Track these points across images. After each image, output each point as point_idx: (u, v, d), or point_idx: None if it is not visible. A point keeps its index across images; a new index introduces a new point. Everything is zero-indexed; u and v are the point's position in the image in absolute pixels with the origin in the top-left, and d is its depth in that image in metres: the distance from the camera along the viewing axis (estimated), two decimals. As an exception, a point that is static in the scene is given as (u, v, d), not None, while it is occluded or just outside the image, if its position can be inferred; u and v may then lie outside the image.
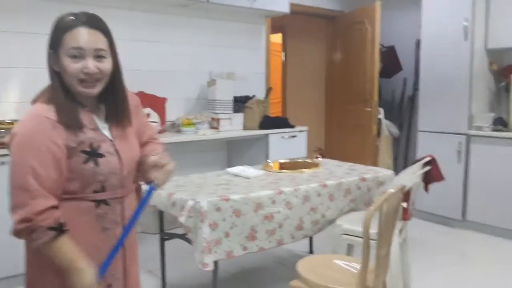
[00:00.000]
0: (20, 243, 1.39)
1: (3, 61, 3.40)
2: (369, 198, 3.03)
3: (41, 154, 1.27)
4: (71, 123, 1.33)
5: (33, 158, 1.27)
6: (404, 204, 2.71)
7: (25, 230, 1.26)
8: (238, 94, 4.40)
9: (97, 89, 1.37)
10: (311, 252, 3.61)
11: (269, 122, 4.42)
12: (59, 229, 1.29)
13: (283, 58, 6.51)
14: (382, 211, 2.07)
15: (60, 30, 1.33)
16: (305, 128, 4.62)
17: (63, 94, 1.34)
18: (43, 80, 1.42)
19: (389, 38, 5.53)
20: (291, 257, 3.57)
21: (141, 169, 1.53)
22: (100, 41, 1.34)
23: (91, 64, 1.32)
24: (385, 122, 5.20)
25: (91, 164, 1.35)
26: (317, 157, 3.64)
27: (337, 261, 2.39)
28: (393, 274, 2.58)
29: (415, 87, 5.30)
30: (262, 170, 3.13)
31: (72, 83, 1.34)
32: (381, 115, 5.16)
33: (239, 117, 4.31)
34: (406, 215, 2.75)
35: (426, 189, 3.01)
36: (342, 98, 5.68)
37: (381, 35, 5.13)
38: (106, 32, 1.37)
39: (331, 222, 2.87)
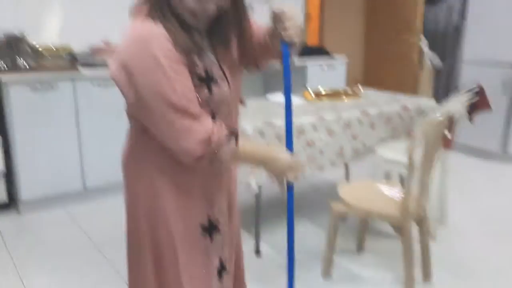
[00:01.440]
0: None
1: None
2: (410, 127, 3.01)
3: (181, 71, 1.11)
4: (189, 46, 1.13)
5: (175, 80, 1.09)
6: (448, 133, 2.68)
7: (207, 153, 1.14)
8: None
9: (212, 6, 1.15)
10: (347, 180, 3.67)
11: (306, 51, 4.33)
12: (235, 134, 1.21)
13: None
14: (427, 138, 2.07)
15: None
16: (344, 59, 4.51)
17: (169, 11, 1.12)
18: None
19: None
20: (327, 185, 3.64)
21: (267, 39, 1.33)
22: None
23: None
24: (428, 53, 5.01)
25: (205, 91, 1.18)
26: (357, 87, 3.58)
27: (378, 186, 2.43)
28: (432, 201, 2.61)
29: (462, 16, 5.03)
30: (302, 98, 3.12)
31: None
32: (424, 46, 4.96)
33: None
34: (448, 144, 2.72)
35: (471, 119, 2.95)
36: (383, 26, 5.46)
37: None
38: None
39: (371, 150, 2.88)
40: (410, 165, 2.01)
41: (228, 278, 1.45)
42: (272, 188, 3.28)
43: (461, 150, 4.45)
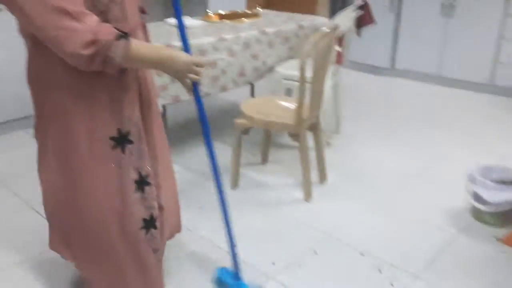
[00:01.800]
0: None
1: None
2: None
3: None
4: None
5: None
6: (338, 48, 2.89)
7: (96, 54, 1.12)
8: None
9: None
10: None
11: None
12: (126, 35, 1.18)
13: None
14: (317, 50, 2.23)
15: None
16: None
17: None
18: None
19: None
20: (234, 106, 3.78)
21: None
22: None
23: None
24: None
25: None
26: (257, 8, 3.65)
27: (277, 100, 2.61)
28: (326, 111, 2.86)
29: None
30: (202, 20, 3.14)
31: None
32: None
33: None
34: (339, 59, 2.95)
35: (358, 33, 3.18)
36: None
37: None
38: None
39: (272, 69, 3.03)
40: (301, 77, 2.18)
41: (151, 191, 1.46)
42: (177, 108, 3.35)
43: (353, 67, 4.79)
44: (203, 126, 1.52)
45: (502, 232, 2.16)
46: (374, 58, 4.77)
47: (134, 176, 1.41)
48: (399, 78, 4.63)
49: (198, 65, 1.36)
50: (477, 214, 2.25)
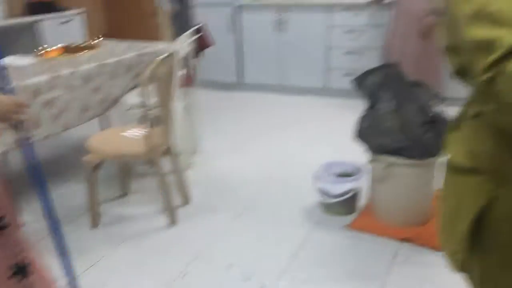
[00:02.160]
0: None
1: None
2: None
3: None
4: None
5: None
6: (183, 71, 2.97)
7: None
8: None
9: None
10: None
11: (36, 7, 4.04)
12: None
13: None
14: (158, 76, 2.27)
15: None
16: (80, 10, 4.37)
17: None
18: None
19: None
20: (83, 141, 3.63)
21: None
22: None
23: None
24: (162, -1, 5.21)
25: None
26: (97, 39, 3.56)
27: (127, 130, 2.58)
28: (180, 135, 2.91)
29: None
30: (37, 57, 2.97)
31: None
32: (157, -8, 5.13)
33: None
34: (188, 81, 3.03)
35: (199, 56, 3.30)
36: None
37: None
38: None
39: (118, 100, 2.98)
40: (145, 104, 2.20)
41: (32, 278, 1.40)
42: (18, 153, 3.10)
43: (207, 86, 4.94)
44: (32, 170, 1.46)
45: (349, 219, 2.42)
46: (224, 75, 4.99)
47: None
48: (248, 92, 4.90)
49: (21, 106, 1.33)
50: (326, 208, 2.49)
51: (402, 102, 2.03)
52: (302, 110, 4.29)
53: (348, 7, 4.24)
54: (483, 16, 0.70)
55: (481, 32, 0.70)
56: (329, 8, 4.31)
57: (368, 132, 2.16)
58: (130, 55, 3.07)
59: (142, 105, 2.83)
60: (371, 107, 2.14)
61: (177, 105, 2.92)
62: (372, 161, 2.25)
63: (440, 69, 3.49)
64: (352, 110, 3.93)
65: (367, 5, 4.03)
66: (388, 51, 3.62)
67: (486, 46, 0.69)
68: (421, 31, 3.34)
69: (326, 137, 3.58)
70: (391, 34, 3.56)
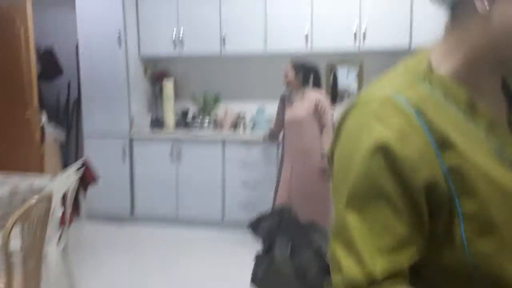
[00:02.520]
0: None
1: None
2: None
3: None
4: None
5: None
6: (60, 210, 2.66)
7: None
8: None
9: None
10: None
11: None
12: None
13: None
14: (26, 223, 1.97)
15: None
16: None
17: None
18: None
19: (47, 38, 5.31)
20: None
21: None
22: None
23: None
24: (48, 128, 4.97)
25: None
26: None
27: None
28: (52, 284, 2.50)
29: (80, 91, 5.28)
30: None
31: None
32: (44, 121, 4.90)
33: None
34: (63, 221, 2.70)
35: (84, 192, 3.04)
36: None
37: (38, 35, 4.86)
38: None
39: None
40: (5, 254, 1.85)
41: None
42: None
43: (95, 219, 4.56)
44: None
45: None
46: (116, 208, 4.66)
47: None
48: (140, 225, 4.59)
49: None
50: None
51: (297, 247, 1.94)
52: (199, 244, 4.05)
53: (243, 142, 4.34)
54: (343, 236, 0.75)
55: (338, 251, 0.75)
56: (223, 142, 4.38)
57: (265, 279, 2.01)
58: (1, 191, 2.71)
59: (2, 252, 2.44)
60: (267, 252, 2.02)
61: (52, 249, 2.56)
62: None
63: (329, 208, 3.56)
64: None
65: (262, 140, 4.16)
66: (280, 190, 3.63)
67: (337, 266, 0.75)
68: (319, 173, 3.42)
69: (226, 280, 3.34)
70: (285, 173, 3.59)
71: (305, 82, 3.55)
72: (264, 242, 2.01)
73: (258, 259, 2.06)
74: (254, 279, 2.04)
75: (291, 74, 3.52)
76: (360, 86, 4.61)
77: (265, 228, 1.96)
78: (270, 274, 1.97)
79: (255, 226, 1.99)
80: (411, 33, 4.05)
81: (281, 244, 1.94)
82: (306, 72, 3.55)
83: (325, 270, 1.96)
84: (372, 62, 4.51)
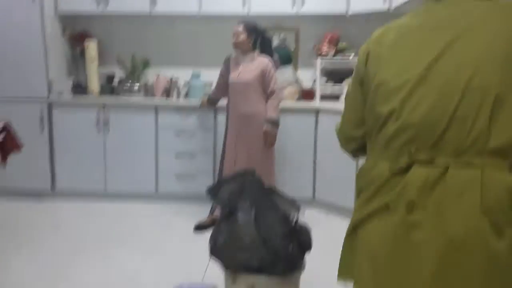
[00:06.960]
0: None
1: None
2: None
3: None
4: None
5: None
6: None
7: None
8: None
9: None
10: None
11: None
12: None
13: None
14: None
15: None
16: None
17: None
18: None
19: None
20: None
21: None
22: None
23: None
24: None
25: None
26: None
27: None
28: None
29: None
30: None
31: None
32: None
33: None
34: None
35: (3, 162, 2.64)
36: None
37: None
38: None
39: None
40: None
41: None
42: None
43: (11, 195, 4.08)
44: None
45: None
46: (35, 182, 4.19)
47: None
48: (63, 201, 4.18)
49: None
50: None
51: (261, 212, 1.80)
52: (132, 220, 3.75)
53: (177, 109, 4.08)
54: None
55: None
56: (156, 109, 4.08)
57: (224, 248, 1.84)
58: None
59: None
60: (227, 218, 1.85)
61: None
62: (230, 281, 1.91)
63: (274, 173, 3.47)
64: (190, 217, 3.63)
65: (200, 106, 3.93)
66: (225, 156, 3.48)
67: None
68: (265, 140, 3.30)
69: (170, 252, 3.12)
70: (230, 139, 3.43)
71: (255, 46, 3.39)
72: (224, 207, 1.84)
73: (217, 228, 1.89)
74: (213, 249, 1.87)
75: (244, 35, 3.33)
76: (296, 51, 4.52)
77: (226, 193, 1.79)
78: (231, 240, 1.81)
79: (215, 191, 1.81)
80: (350, -2, 4.00)
81: (244, 209, 1.78)
82: (258, 36, 3.39)
83: (290, 235, 1.84)
84: (308, 27, 4.43)
